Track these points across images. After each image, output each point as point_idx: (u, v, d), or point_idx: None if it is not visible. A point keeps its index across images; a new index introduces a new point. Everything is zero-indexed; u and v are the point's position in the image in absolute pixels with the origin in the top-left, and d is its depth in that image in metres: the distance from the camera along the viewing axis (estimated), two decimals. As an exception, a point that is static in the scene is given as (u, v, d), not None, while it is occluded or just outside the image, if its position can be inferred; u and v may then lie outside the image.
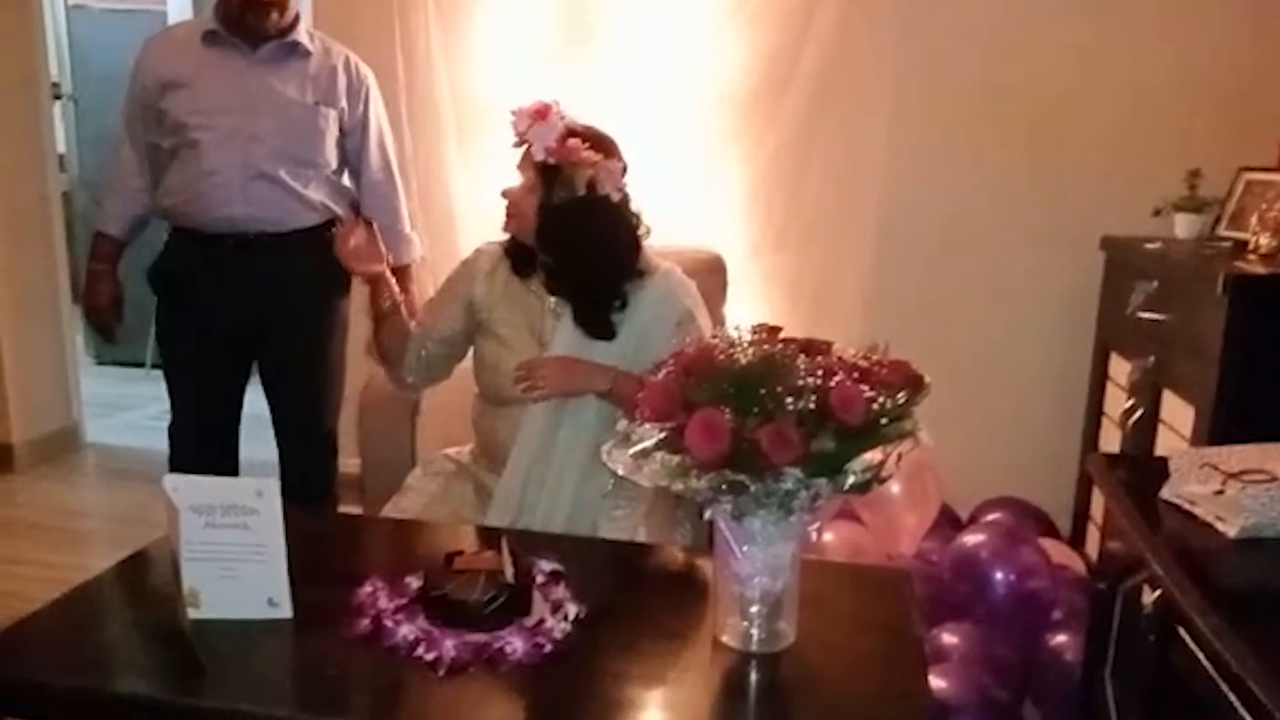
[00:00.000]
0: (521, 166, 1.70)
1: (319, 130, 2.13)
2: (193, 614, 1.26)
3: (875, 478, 1.07)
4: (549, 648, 1.20)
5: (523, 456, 1.73)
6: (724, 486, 1.04)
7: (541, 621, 1.24)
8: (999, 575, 1.89)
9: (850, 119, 2.59)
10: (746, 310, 2.65)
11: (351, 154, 2.22)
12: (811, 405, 1.03)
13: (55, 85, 3.60)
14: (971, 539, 2.00)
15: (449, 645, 1.19)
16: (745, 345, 1.14)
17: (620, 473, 1.14)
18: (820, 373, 1.07)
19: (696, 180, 2.62)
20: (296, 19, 2.12)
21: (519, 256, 1.78)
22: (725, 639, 1.21)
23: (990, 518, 2.31)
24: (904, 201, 2.60)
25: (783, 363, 1.08)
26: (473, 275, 1.82)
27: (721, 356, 1.11)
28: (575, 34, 2.63)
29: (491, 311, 1.79)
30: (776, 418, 1.03)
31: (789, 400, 1.04)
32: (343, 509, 2.38)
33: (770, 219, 2.66)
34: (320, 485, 2.30)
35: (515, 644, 1.20)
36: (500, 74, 2.62)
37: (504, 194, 1.73)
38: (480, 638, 1.20)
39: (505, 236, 1.79)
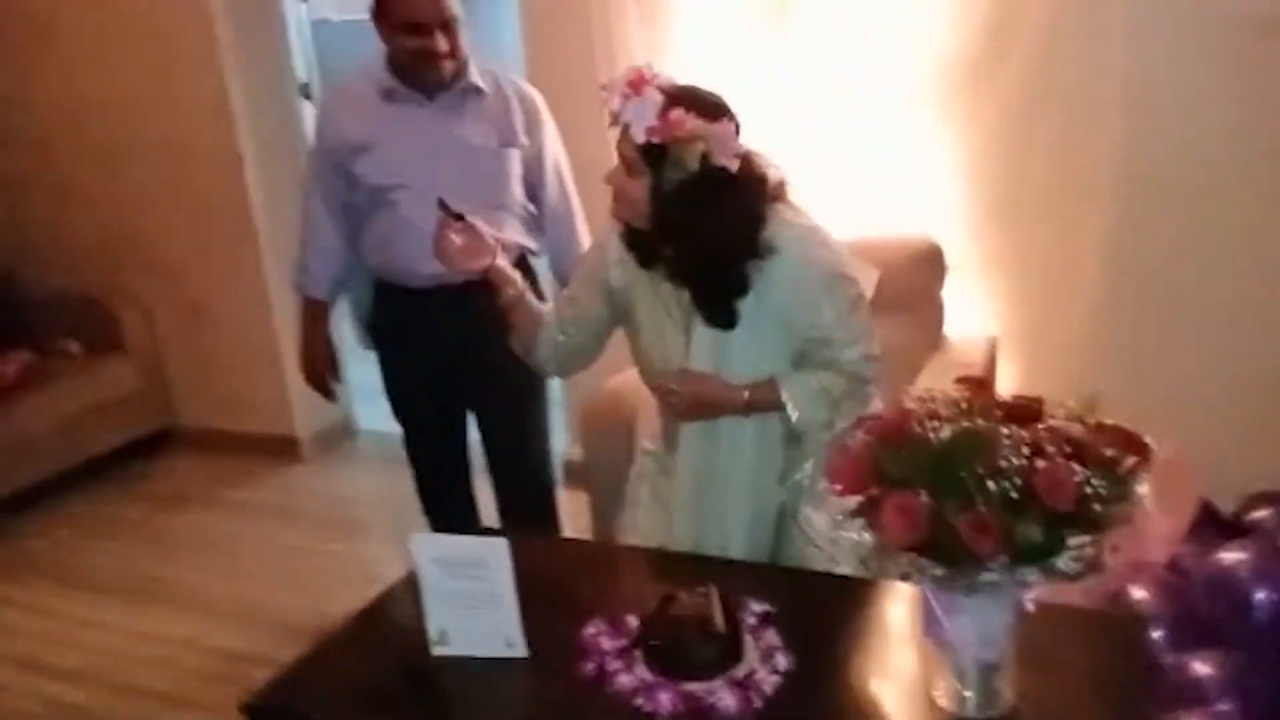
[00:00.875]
0: (621, 146, 1.51)
1: (506, 173, 2.14)
2: (439, 650, 1.40)
3: (1091, 567, 1.01)
4: (759, 703, 1.24)
5: (688, 467, 1.70)
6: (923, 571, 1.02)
7: (752, 673, 1.28)
8: (1261, 596, 1.73)
9: (1079, 77, 2.35)
10: (968, 295, 2.53)
11: (531, 184, 2.21)
12: (1016, 489, 0.99)
13: (304, 86, 3.91)
14: (1230, 556, 1.83)
15: (664, 698, 1.26)
16: (944, 409, 1.10)
17: (818, 542, 1.15)
18: (1027, 449, 1.02)
19: (908, 162, 2.50)
20: (467, 62, 2.09)
21: (638, 246, 1.63)
22: (939, 699, 1.20)
23: (1258, 515, 2.10)
24: (1147, 160, 2.33)
25: (984, 440, 1.03)
26: (605, 263, 1.70)
27: (918, 427, 1.08)
28: (777, 13, 2.55)
29: (631, 301, 1.70)
30: (977, 503, 0.99)
31: (991, 483, 1.00)
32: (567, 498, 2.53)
33: (992, 197, 2.49)
34: (540, 514, 2.39)
35: (726, 699, 1.25)
36: (701, 60, 2.55)
37: (607, 180, 1.56)
38: (694, 688, 1.27)
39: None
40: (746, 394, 1.60)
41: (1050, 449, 1.02)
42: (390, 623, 1.54)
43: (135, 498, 3.60)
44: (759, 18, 2.54)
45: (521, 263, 2.17)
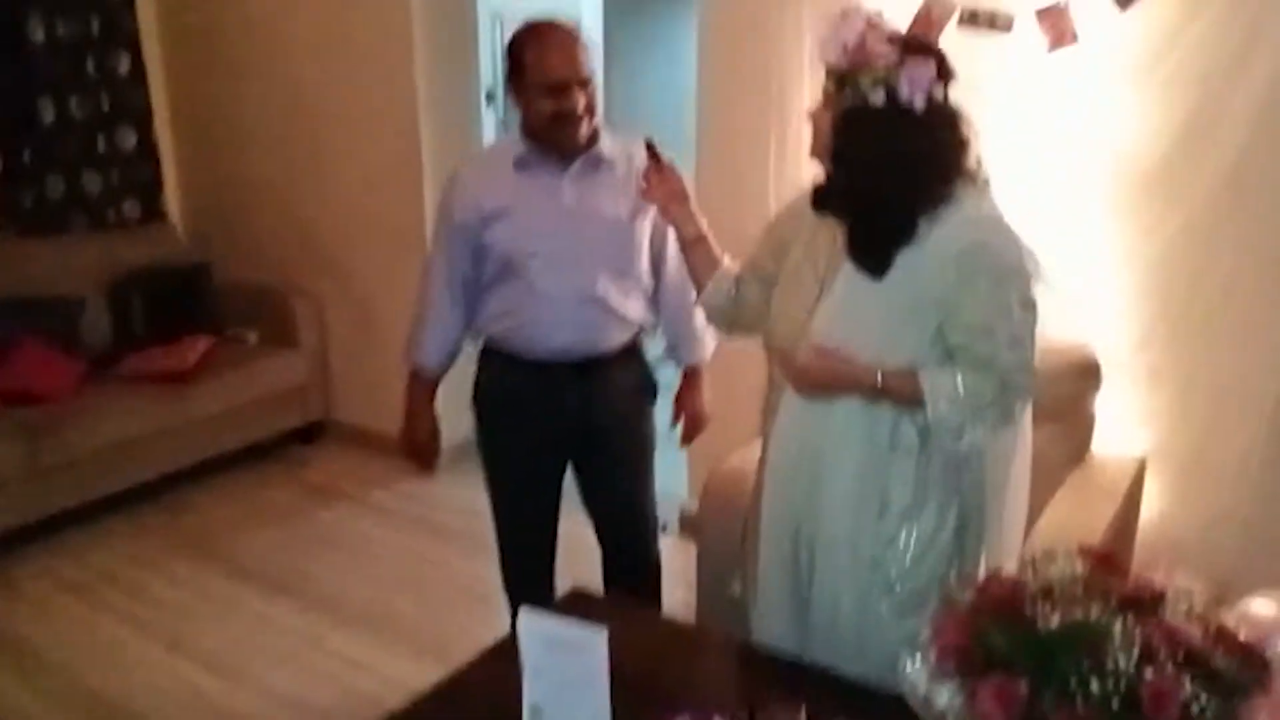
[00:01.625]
0: (824, 82, 1.49)
1: (637, 244, 2.11)
2: (532, 727, 1.45)
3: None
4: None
5: (787, 442, 1.60)
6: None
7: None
8: None
9: (1273, 197, 2.21)
10: (1124, 410, 2.40)
11: (654, 255, 2.16)
12: (1119, 694, 0.94)
13: (489, 93, 4.08)
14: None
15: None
16: (1058, 584, 1.06)
17: (917, 695, 1.12)
18: (1137, 651, 0.97)
19: (1075, 261, 2.39)
20: (599, 129, 2.05)
21: (821, 186, 1.57)
22: None
23: None
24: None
25: (1095, 636, 0.99)
26: (792, 213, 1.68)
27: (1030, 605, 1.05)
28: (961, 86, 2.48)
29: (789, 252, 1.64)
30: (1077, 702, 0.95)
31: (1095, 682, 0.96)
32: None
33: (1165, 310, 2.36)
34: (644, 582, 2.35)
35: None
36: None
37: (808, 113, 1.53)
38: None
39: None
40: (880, 376, 1.47)
41: (1162, 654, 0.96)
42: (486, 687, 1.59)
43: (289, 485, 3.85)
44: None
45: (635, 341, 2.19)
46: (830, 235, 1.55)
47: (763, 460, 1.72)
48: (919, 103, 1.40)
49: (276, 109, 4.05)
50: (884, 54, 1.40)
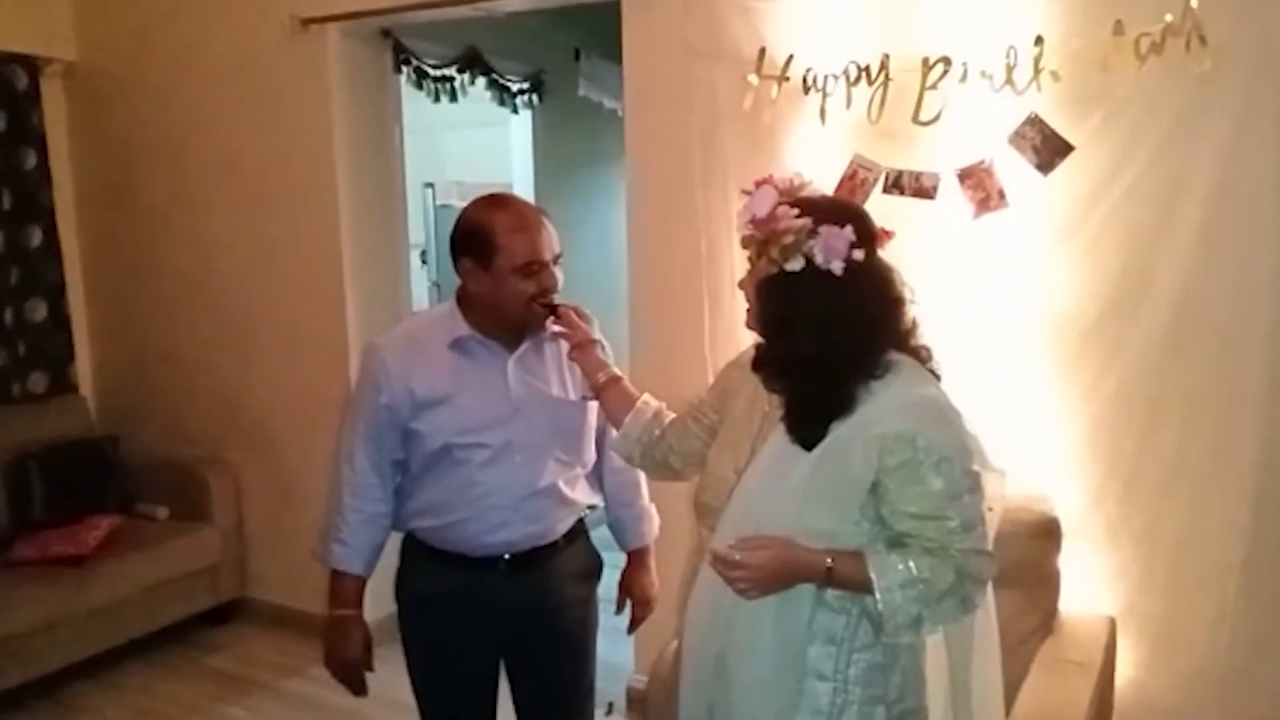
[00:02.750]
0: (747, 252, 1.50)
1: (587, 426, 1.98)
2: None
3: None
4: None
5: (694, 651, 1.53)
6: None
7: None
8: None
9: (1214, 345, 2.22)
10: (1087, 567, 2.32)
11: (599, 429, 2.02)
12: None
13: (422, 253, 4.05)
14: None
15: None
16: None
17: None
18: None
19: (1025, 423, 2.35)
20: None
21: (760, 348, 1.57)
22: None
23: None
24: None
25: None
26: (735, 365, 1.68)
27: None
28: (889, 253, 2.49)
29: (728, 410, 1.63)
30: None
31: None
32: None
33: (1117, 464, 2.31)
34: None
35: None
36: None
37: (739, 285, 1.54)
38: None
39: None
40: (829, 560, 1.38)
41: None
42: None
43: (195, 676, 3.53)
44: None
45: (579, 523, 2.06)
46: (765, 398, 1.54)
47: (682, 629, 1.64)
48: (836, 268, 1.39)
49: (195, 279, 3.94)
50: (795, 224, 1.40)
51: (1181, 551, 2.29)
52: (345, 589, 2.00)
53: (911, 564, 1.37)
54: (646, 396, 1.82)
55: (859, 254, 1.40)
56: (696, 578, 1.55)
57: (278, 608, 3.90)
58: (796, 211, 1.42)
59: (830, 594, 1.43)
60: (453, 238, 1.88)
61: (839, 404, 1.40)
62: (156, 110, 3.91)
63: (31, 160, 3.91)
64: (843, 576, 1.39)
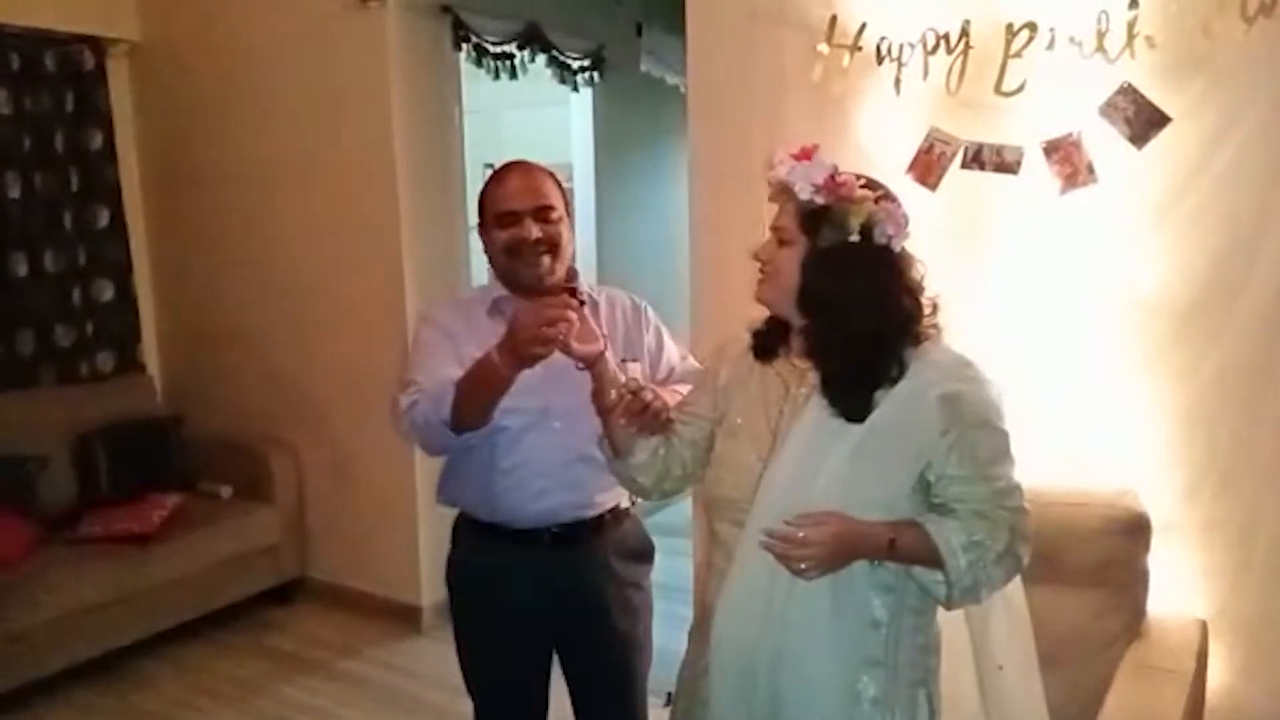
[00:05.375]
0: (778, 219, 1.45)
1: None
2: None
3: None
4: None
5: (727, 652, 1.43)
6: None
7: None
8: None
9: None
10: (1177, 567, 2.18)
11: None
12: None
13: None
14: None
15: None
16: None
17: None
18: None
19: (1113, 416, 2.22)
20: (574, 271, 1.95)
21: (766, 334, 1.53)
22: None
23: None
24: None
25: None
26: (722, 359, 1.61)
27: None
28: (966, 238, 2.36)
29: (731, 400, 1.55)
30: None
31: None
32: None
33: (1212, 458, 2.16)
34: None
35: None
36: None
37: (755, 255, 1.48)
38: None
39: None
40: (892, 533, 1.34)
41: None
42: None
43: (254, 655, 3.55)
44: (950, 239, 2.36)
45: (627, 507, 1.99)
46: (780, 382, 1.49)
47: (697, 629, 1.56)
48: (896, 244, 1.40)
49: (257, 258, 3.95)
50: (867, 194, 1.38)
51: (1278, 550, 2.13)
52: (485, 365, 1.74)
53: (968, 528, 1.35)
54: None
55: (908, 234, 1.42)
56: (728, 579, 1.46)
57: (337, 588, 3.92)
58: (863, 182, 1.40)
59: (882, 571, 1.39)
60: None
61: (890, 373, 1.38)
62: (218, 89, 3.91)
63: (98, 140, 3.95)
64: (906, 547, 1.35)
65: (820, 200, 1.38)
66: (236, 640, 3.63)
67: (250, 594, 3.77)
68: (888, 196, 1.42)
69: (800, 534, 1.31)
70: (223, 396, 4.11)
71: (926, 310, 1.44)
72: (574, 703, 2.08)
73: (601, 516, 1.95)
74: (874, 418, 1.37)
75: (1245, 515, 2.15)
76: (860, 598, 1.39)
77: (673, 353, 2.05)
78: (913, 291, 1.42)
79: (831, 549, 1.33)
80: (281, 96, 3.74)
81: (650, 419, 1.59)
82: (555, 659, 2.05)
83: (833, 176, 1.38)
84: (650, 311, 2.06)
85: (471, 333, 1.88)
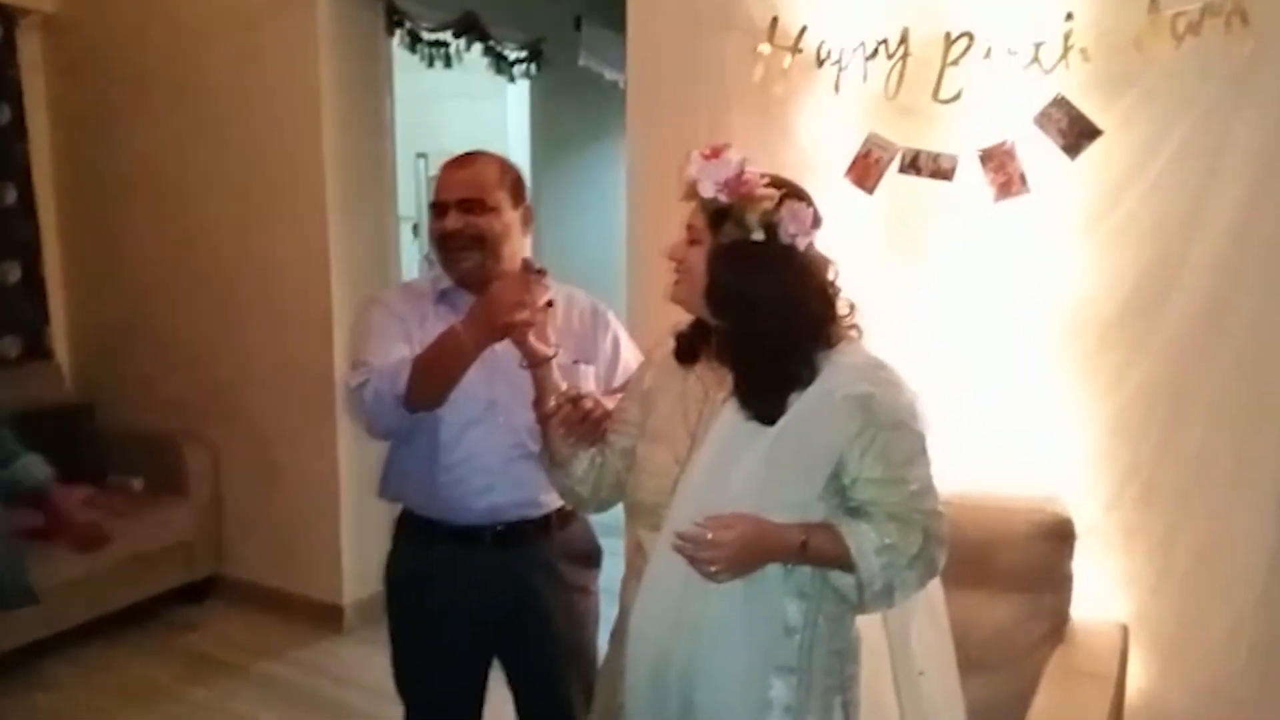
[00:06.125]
0: (689, 220, 1.43)
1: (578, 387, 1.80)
2: None
3: None
4: None
5: (641, 663, 1.41)
6: None
7: None
8: None
9: (1245, 340, 2.11)
10: (1099, 571, 2.22)
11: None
12: None
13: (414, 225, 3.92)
14: None
15: None
16: None
17: None
18: None
19: (1039, 422, 2.25)
20: (538, 266, 1.79)
21: (688, 336, 1.51)
22: None
23: None
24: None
25: None
26: (648, 364, 1.60)
27: None
28: (902, 242, 2.38)
29: (654, 404, 1.53)
30: None
31: None
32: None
33: (1136, 465, 2.20)
34: None
35: None
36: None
37: (668, 254, 1.46)
38: None
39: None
40: (803, 535, 1.33)
41: None
42: None
43: (165, 655, 3.42)
44: (886, 243, 2.37)
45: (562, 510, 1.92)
46: (699, 385, 1.47)
47: (616, 632, 1.54)
48: (801, 243, 1.38)
49: (175, 242, 3.81)
50: (768, 192, 1.37)
51: (1200, 558, 2.18)
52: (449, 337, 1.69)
53: (881, 531, 1.34)
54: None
55: (815, 234, 1.41)
56: (640, 582, 1.45)
57: (254, 587, 3.80)
58: (766, 180, 1.38)
59: (796, 576, 1.39)
60: None
61: (800, 375, 1.37)
62: (137, 67, 3.76)
63: (6, 115, 3.78)
64: (817, 549, 1.34)
65: (724, 198, 1.38)
66: (147, 640, 3.50)
67: (161, 591, 3.64)
68: (795, 195, 1.39)
69: (708, 535, 1.30)
70: (136, 386, 3.96)
71: (842, 311, 1.42)
72: (517, 710, 2.03)
73: (548, 517, 1.90)
74: (785, 420, 1.36)
75: (1166, 522, 2.20)
76: (774, 603, 1.39)
77: (630, 360, 1.97)
78: (823, 292, 1.41)
79: (740, 551, 1.31)
80: (205, 77, 3.61)
81: (589, 429, 1.57)
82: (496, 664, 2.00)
83: (737, 175, 1.37)
84: (610, 316, 2.01)
85: (420, 320, 1.84)
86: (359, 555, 3.63)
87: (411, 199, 5.61)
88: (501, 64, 4.27)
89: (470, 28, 3.96)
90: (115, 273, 4.00)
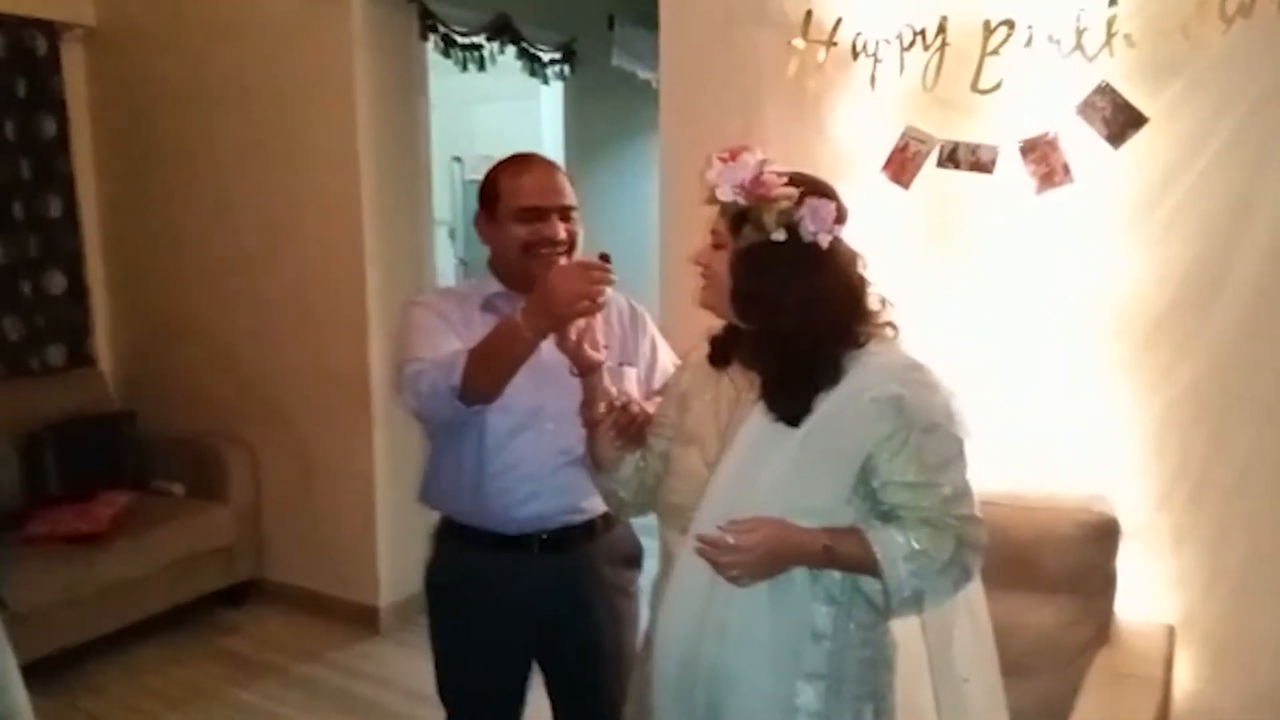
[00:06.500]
0: (713, 225, 1.42)
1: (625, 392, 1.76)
2: None
3: None
4: None
5: (669, 663, 1.39)
6: None
7: None
8: None
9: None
10: (1146, 573, 2.16)
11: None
12: None
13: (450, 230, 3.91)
14: None
15: None
16: None
17: None
18: None
19: (1084, 420, 2.19)
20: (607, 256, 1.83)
21: (721, 340, 1.49)
22: None
23: None
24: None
25: None
26: (685, 366, 1.59)
27: None
28: (940, 237, 2.33)
29: (689, 407, 1.51)
30: None
31: None
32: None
33: (1185, 465, 2.14)
34: None
35: None
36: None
37: (694, 260, 1.44)
38: None
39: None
40: (827, 539, 1.31)
41: None
42: None
43: (207, 658, 3.44)
44: (924, 238, 2.33)
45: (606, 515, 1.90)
46: (731, 388, 1.46)
47: (649, 636, 1.51)
48: (824, 241, 1.35)
49: (215, 251, 3.84)
50: (786, 191, 1.34)
51: (1251, 560, 2.11)
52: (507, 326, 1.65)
53: (911, 536, 1.31)
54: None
55: (839, 229, 1.37)
56: (669, 585, 1.43)
57: (294, 589, 3.82)
58: (785, 179, 1.36)
59: (825, 582, 1.36)
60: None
61: (826, 375, 1.35)
62: (177, 77, 3.80)
63: (51, 128, 3.83)
64: (842, 555, 1.32)
65: (742, 201, 1.36)
66: (188, 643, 3.53)
67: (203, 594, 3.67)
68: (816, 192, 1.36)
69: (730, 539, 1.28)
70: (177, 392, 4.00)
71: (874, 307, 1.39)
72: (555, 714, 2.01)
73: (592, 522, 1.87)
74: (811, 421, 1.34)
75: (1217, 524, 2.13)
76: (801, 608, 1.36)
77: (666, 362, 1.95)
78: (849, 289, 1.38)
79: (762, 555, 1.30)
80: (243, 86, 3.64)
81: (637, 433, 1.56)
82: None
83: (755, 176, 1.35)
84: (647, 316, 1.98)
85: (465, 324, 1.80)
86: (395, 557, 3.64)
87: (446, 202, 5.64)
88: (535, 65, 4.26)
89: (503, 30, 3.96)
90: (157, 281, 4.04)
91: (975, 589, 1.49)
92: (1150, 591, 2.18)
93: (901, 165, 2.35)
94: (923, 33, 2.24)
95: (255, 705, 3.13)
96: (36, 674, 3.09)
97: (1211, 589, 2.16)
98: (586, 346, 1.55)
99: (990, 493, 1.40)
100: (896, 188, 2.33)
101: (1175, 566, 2.18)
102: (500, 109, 5.27)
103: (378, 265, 3.50)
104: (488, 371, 1.64)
